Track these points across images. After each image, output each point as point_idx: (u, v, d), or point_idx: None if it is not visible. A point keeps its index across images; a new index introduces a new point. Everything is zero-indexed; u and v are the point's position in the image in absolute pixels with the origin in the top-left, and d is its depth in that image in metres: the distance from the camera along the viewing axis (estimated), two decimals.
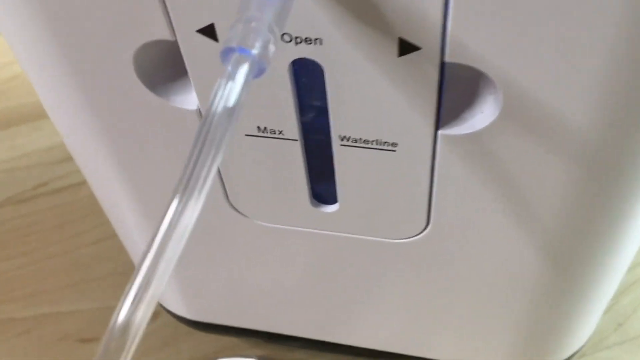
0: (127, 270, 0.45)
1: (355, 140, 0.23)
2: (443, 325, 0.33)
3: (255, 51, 0.15)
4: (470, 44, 0.19)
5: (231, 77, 0.15)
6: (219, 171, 0.26)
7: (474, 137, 0.22)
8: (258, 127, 0.24)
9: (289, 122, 0.23)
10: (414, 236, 0.27)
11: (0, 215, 0.51)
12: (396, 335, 0.35)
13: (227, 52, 0.15)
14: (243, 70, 0.15)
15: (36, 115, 0.56)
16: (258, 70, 0.15)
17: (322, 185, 0.27)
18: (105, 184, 0.30)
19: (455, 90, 0.22)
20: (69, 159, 0.54)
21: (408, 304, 0.31)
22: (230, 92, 0.15)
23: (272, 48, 0.16)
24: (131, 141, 0.26)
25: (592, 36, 0.18)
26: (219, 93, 0.15)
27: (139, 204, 0.29)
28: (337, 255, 0.29)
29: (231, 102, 0.15)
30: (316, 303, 0.33)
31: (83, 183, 0.52)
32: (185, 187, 0.15)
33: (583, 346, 0.35)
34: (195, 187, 0.15)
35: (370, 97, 0.21)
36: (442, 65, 0.20)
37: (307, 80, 0.22)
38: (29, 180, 0.52)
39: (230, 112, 0.15)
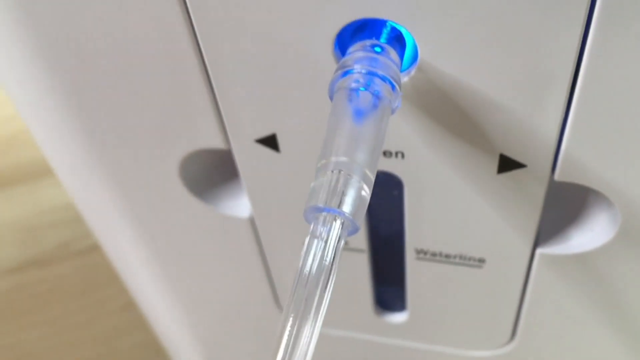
0: (158, 342, 0.42)
1: (434, 255, 0.20)
2: None
3: (347, 209, 0.12)
4: (587, 163, 0.16)
5: (321, 237, 0.12)
6: (269, 276, 0.23)
7: (580, 259, 0.18)
8: None
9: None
10: (496, 349, 0.23)
11: (22, 279, 0.48)
12: None
13: (313, 211, 0.12)
14: (335, 233, 0.12)
15: None
16: (352, 229, 0.12)
17: (387, 291, 0.23)
18: (140, 282, 0.27)
19: (559, 204, 0.18)
20: None
21: None
22: (324, 256, 0.12)
23: (365, 196, 0.13)
24: (174, 245, 0.23)
25: None
26: (311, 255, 0.12)
27: (177, 304, 0.26)
28: None
29: (324, 266, 0.12)
30: None
31: None
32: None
33: None
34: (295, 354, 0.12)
35: (459, 213, 0.18)
36: (550, 184, 0.17)
37: (379, 189, 0.19)
38: (52, 240, 0.50)
39: (325, 276, 0.12)
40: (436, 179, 0.17)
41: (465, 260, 0.20)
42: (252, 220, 0.21)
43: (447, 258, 0.20)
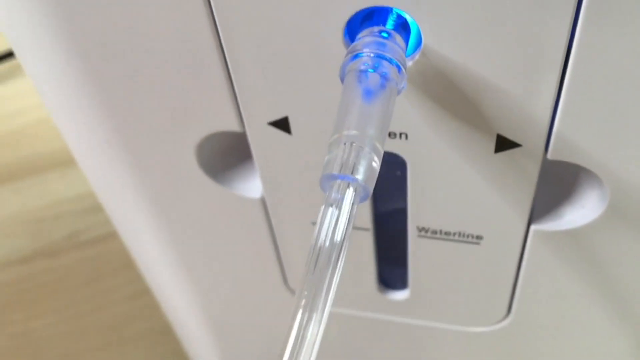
0: (164, 329, 0.44)
1: (435, 232, 0.21)
2: None
3: (360, 177, 0.13)
4: (578, 142, 0.17)
5: (336, 204, 0.13)
6: (278, 256, 0.24)
7: (572, 234, 0.20)
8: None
9: (361, 212, 0.21)
10: (493, 324, 0.24)
11: (31, 269, 0.49)
12: None
13: (328, 179, 0.13)
14: (348, 199, 0.13)
15: (66, 160, 0.55)
16: (364, 195, 0.14)
17: (389, 270, 0.25)
18: (153, 262, 0.28)
19: (552, 183, 0.20)
20: (99, 208, 0.52)
21: None
22: (338, 222, 0.13)
23: (376, 167, 0.14)
24: (188, 225, 0.24)
25: None
26: (325, 223, 0.13)
27: (189, 284, 0.27)
28: (402, 342, 0.27)
29: (339, 234, 0.13)
30: None
31: (114, 234, 0.50)
32: (307, 313, 0.13)
33: None
34: (314, 314, 0.13)
35: (458, 191, 0.19)
36: (543, 162, 0.18)
37: (384, 169, 0.20)
38: (59, 231, 0.51)
39: (340, 243, 0.13)
40: (438, 158, 0.18)
41: (464, 238, 0.21)
42: (263, 201, 0.22)
43: (447, 235, 0.21)
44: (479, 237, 0.21)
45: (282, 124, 0.19)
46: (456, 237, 0.21)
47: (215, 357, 0.32)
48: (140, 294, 0.46)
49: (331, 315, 0.26)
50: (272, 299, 0.26)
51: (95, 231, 0.51)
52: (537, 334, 0.24)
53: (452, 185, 0.19)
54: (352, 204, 0.13)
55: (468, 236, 0.21)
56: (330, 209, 0.13)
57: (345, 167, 0.13)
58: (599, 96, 0.16)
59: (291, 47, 0.17)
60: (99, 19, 0.17)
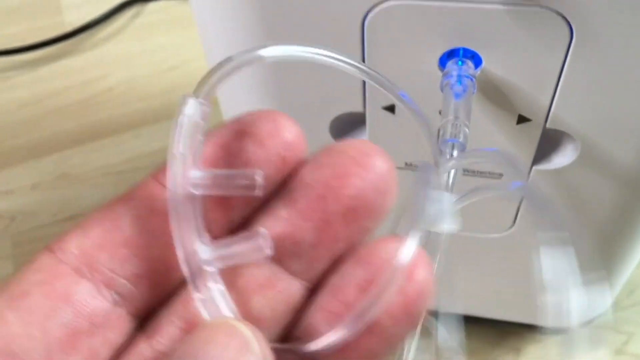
0: None
1: (474, 172, 0.34)
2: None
3: (461, 139, 0.26)
4: (565, 119, 0.30)
5: (450, 154, 0.26)
6: None
7: (558, 171, 0.33)
8: (405, 163, 0.35)
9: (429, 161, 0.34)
10: (502, 232, 0.38)
11: None
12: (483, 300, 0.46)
13: (444, 142, 0.26)
14: (457, 150, 0.26)
15: (136, 123, 0.66)
16: (463, 149, 0.26)
17: None
18: None
19: (547, 142, 0.33)
20: None
21: (495, 276, 0.43)
22: (452, 168, 0.26)
23: (467, 133, 0.27)
24: None
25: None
26: (447, 167, 0.26)
27: None
28: None
29: (452, 173, 0.26)
30: None
31: None
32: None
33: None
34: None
35: (492, 146, 0.32)
36: (543, 130, 0.31)
37: None
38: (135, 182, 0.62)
39: (454, 177, 0.26)
40: (481, 127, 0.31)
41: (491, 175, 0.34)
42: None
43: (481, 173, 0.34)
44: (501, 175, 0.34)
45: (391, 108, 0.31)
46: (487, 174, 0.34)
47: None
48: None
49: None
50: None
51: None
52: (531, 240, 0.38)
53: (489, 141, 0.32)
54: (459, 154, 0.26)
55: (494, 174, 0.34)
56: (448, 157, 0.26)
57: (452, 135, 0.26)
58: (578, 95, 0.29)
59: (406, 66, 0.29)
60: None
